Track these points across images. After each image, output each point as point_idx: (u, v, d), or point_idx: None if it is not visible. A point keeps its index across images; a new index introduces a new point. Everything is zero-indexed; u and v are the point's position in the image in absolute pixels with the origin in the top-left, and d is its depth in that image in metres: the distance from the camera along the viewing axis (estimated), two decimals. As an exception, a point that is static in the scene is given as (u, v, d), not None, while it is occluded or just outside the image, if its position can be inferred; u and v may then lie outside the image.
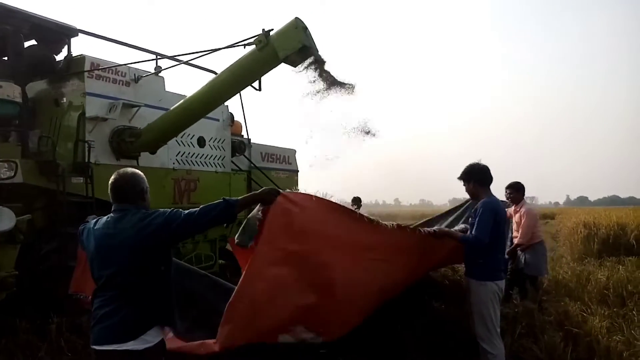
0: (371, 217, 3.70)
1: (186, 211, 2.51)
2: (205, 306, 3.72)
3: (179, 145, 7.25)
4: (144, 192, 2.62)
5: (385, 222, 3.78)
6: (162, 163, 6.85)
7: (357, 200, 10.61)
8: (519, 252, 6.25)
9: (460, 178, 4.31)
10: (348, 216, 3.56)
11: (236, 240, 3.15)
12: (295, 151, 10.52)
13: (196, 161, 7.58)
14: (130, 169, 2.68)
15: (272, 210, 3.08)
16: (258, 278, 3.10)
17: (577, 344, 4.44)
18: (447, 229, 4.25)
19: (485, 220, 3.88)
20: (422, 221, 6.07)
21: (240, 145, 8.55)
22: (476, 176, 4.17)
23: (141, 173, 2.68)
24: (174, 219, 2.44)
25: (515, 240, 6.21)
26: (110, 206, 5.89)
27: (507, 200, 6.22)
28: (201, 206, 2.56)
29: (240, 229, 3.16)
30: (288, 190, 3.29)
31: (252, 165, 8.91)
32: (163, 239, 2.44)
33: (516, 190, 6.37)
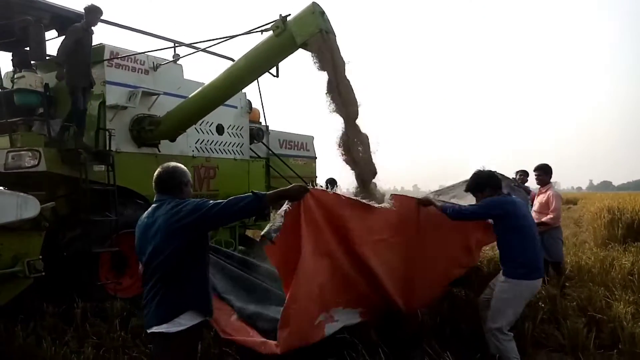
0: (375, 205, 3.87)
1: (214, 202, 2.57)
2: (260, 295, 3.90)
3: (198, 132, 7.30)
4: (182, 185, 2.71)
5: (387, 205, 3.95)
6: (181, 151, 6.91)
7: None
8: None
9: (470, 191, 4.19)
10: (363, 208, 3.74)
11: (262, 232, 3.25)
12: (313, 138, 10.50)
13: (215, 148, 7.62)
14: (173, 163, 2.78)
15: (305, 209, 3.20)
16: (308, 278, 3.28)
17: (600, 330, 4.37)
18: (431, 198, 4.26)
19: (475, 209, 3.93)
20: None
21: (258, 133, 8.56)
22: (490, 182, 4.07)
23: (182, 167, 2.78)
24: (203, 206, 2.51)
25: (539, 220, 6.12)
26: (131, 193, 6.02)
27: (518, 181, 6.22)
28: (230, 198, 2.62)
29: (269, 224, 3.25)
30: (313, 186, 3.39)
31: (270, 152, 8.93)
32: (192, 225, 2.49)
33: (545, 172, 6.30)
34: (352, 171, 5.02)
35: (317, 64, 5.09)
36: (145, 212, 2.73)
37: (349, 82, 5.12)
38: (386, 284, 3.84)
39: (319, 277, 3.39)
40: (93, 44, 6.35)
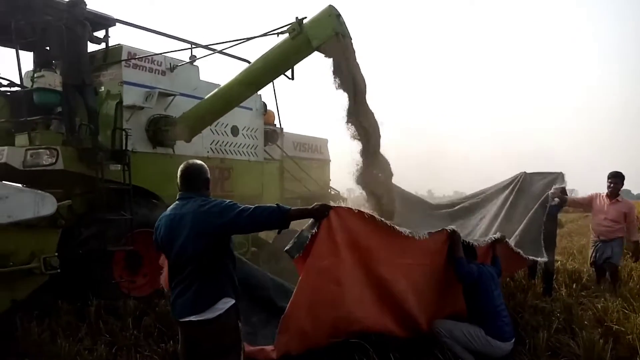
0: (407, 231, 3.78)
1: (241, 207, 2.63)
2: (267, 310, 3.89)
3: (213, 134, 7.33)
4: (208, 182, 2.84)
5: (419, 234, 3.86)
6: (196, 151, 6.94)
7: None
8: (599, 243, 6.15)
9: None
10: (388, 230, 3.67)
11: (285, 249, 3.29)
12: (327, 140, 10.51)
13: (230, 150, 7.65)
14: (197, 161, 2.88)
15: (325, 226, 3.23)
16: (312, 289, 3.31)
17: (617, 341, 4.27)
18: (460, 240, 4.16)
19: (471, 272, 3.97)
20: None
21: (272, 135, 8.58)
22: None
23: (205, 165, 2.87)
24: (228, 212, 2.59)
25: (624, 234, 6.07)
26: (146, 193, 6.04)
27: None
28: (255, 206, 2.67)
29: (293, 239, 3.28)
30: (336, 203, 3.40)
31: (284, 154, 8.94)
32: (216, 227, 2.59)
33: (621, 180, 6.12)
34: (360, 140, 5.10)
35: (338, 87, 5.11)
36: (171, 207, 2.79)
37: (370, 110, 5.14)
38: (410, 304, 3.84)
39: (329, 291, 3.40)
40: (111, 45, 6.44)
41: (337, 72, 5.07)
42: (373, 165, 5.13)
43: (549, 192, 5.90)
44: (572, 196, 6.47)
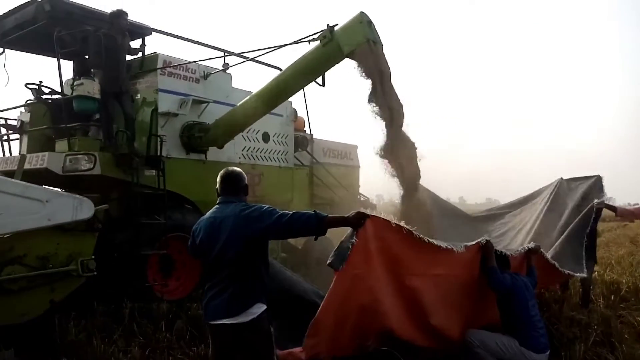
0: (444, 244, 3.77)
1: (280, 212, 2.67)
2: (305, 313, 3.92)
3: (245, 140, 7.43)
4: (247, 188, 2.92)
5: (456, 247, 3.83)
6: (228, 157, 7.04)
7: None
8: None
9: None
10: (424, 242, 3.66)
11: (327, 262, 3.30)
12: (357, 147, 10.48)
13: (261, 156, 7.73)
14: (237, 168, 2.96)
15: (361, 234, 3.24)
16: (344, 296, 3.32)
17: (660, 357, 4.11)
18: (493, 250, 4.09)
19: (506, 282, 3.91)
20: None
21: (302, 141, 8.61)
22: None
23: (243, 172, 2.95)
24: (267, 217, 2.65)
25: None
26: (179, 198, 6.11)
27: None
28: (293, 212, 2.70)
29: (334, 251, 3.29)
30: (367, 210, 3.37)
31: (314, 160, 8.97)
32: (255, 231, 2.64)
33: None
34: (397, 177, 5.16)
35: (363, 74, 5.17)
36: (211, 210, 2.86)
37: (394, 90, 5.18)
38: (442, 315, 3.80)
39: (360, 299, 3.40)
40: (147, 53, 6.60)
41: (367, 78, 5.14)
42: (397, 139, 5.23)
43: (595, 202, 5.60)
44: (622, 205, 6.20)
